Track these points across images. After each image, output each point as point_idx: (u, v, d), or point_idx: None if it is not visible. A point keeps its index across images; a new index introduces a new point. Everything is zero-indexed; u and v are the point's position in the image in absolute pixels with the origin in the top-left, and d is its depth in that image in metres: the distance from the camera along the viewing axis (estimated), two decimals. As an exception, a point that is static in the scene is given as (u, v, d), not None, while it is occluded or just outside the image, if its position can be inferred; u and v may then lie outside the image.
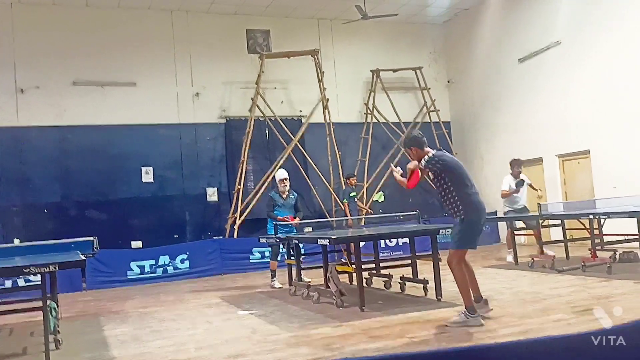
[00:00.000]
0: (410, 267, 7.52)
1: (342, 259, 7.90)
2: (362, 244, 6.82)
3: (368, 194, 13.85)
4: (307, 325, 5.75)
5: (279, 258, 9.01)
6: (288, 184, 9.06)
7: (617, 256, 8.27)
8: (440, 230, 6.62)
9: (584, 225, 8.45)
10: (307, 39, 14.00)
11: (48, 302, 5.27)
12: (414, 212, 8.81)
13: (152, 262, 11.01)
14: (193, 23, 13.39)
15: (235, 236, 12.24)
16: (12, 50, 11.99)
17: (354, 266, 6.62)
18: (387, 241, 12.01)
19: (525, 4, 12.94)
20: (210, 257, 11.46)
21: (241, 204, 12.46)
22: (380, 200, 13.39)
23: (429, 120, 14.92)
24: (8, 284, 9.07)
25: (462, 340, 4.64)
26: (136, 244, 12.20)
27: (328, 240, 6.53)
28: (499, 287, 7.22)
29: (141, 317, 7.11)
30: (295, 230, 8.81)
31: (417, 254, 7.56)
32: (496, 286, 7.28)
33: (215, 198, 13.33)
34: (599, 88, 11.04)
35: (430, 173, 5.43)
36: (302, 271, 8.04)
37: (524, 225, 10.10)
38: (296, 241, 7.92)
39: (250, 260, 11.64)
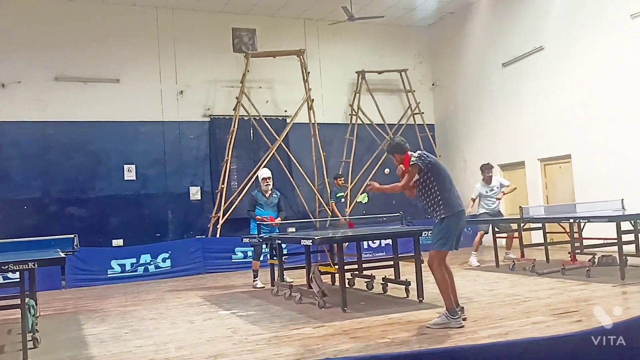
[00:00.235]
0: (392, 269, 7.57)
1: (324, 260, 7.90)
2: (344, 244, 6.84)
3: (352, 195, 13.85)
4: (289, 325, 5.75)
5: (261, 258, 8.99)
6: (271, 183, 9.04)
7: (596, 260, 8.42)
8: (423, 232, 6.65)
9: (564, 229, 8.57)
10: (293, 38, 13.99)
11: (26, 299, 5.21)
12: (398, 214, 8.86)
13: (133, 260, 10.94)
14: (178, 20, 13.30)
15: (217, 235, 12.19)
16: (-7, 44, 11.82)
17: (336, 267, 6.63)
18: (370, 242, 12.07)
19: (510, 9, 13.07)
20: (193, 256, 11.42)
21: (224, 204, 12.41)
22: (364, 202, 13.34)
23: (413, 123, 15.01)
24: (-14, 281, 8.95)
25: (442, 342, 4.68)
26: (117, 242, 12.09)
27: (311, 241, 6.54)
28: (479, 289, 7.30)
29: (121, 315, 7.06)
30: (278, 230, 8.80)
31: (399, 255, 7.60)
32: (476, 288, 7.36)
33: (198, 197, 13.25)
34: (581, 94, 11.19)
35: (417, 171, 5.40)
36: (284, 271, 8.04)
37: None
38: (279, 241, 7.91)
39: (233, 260, 11.62)
